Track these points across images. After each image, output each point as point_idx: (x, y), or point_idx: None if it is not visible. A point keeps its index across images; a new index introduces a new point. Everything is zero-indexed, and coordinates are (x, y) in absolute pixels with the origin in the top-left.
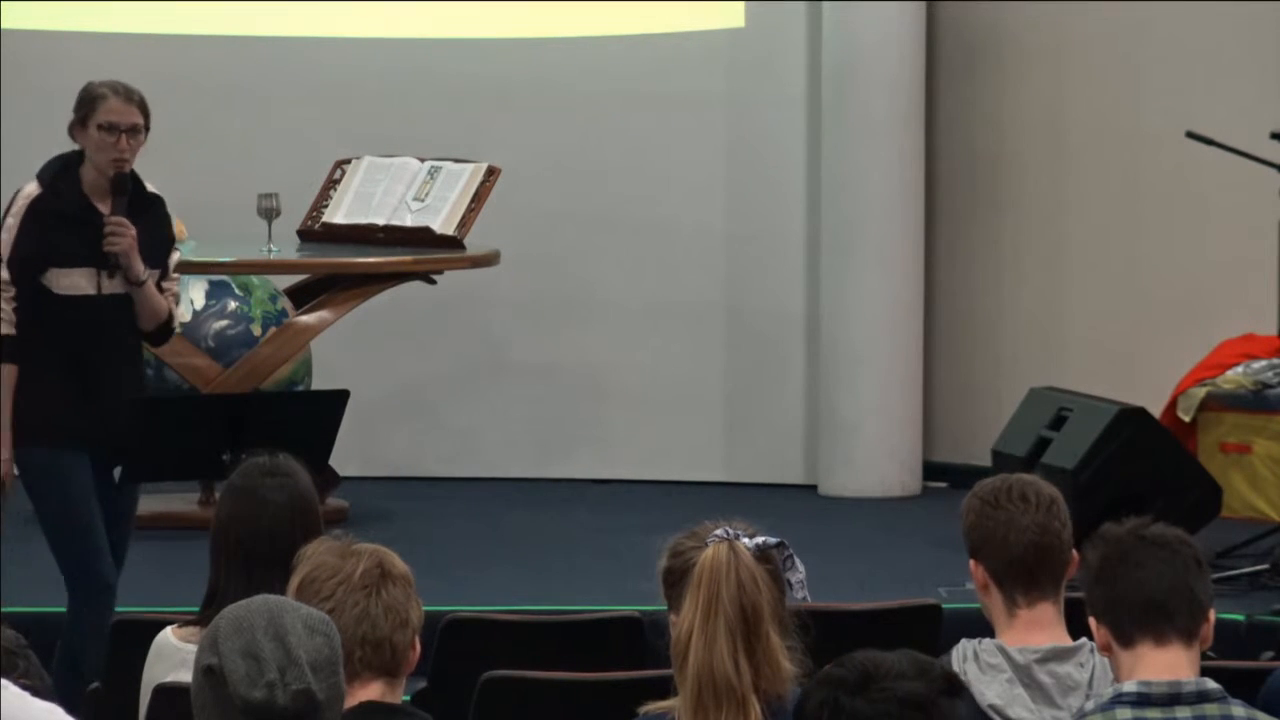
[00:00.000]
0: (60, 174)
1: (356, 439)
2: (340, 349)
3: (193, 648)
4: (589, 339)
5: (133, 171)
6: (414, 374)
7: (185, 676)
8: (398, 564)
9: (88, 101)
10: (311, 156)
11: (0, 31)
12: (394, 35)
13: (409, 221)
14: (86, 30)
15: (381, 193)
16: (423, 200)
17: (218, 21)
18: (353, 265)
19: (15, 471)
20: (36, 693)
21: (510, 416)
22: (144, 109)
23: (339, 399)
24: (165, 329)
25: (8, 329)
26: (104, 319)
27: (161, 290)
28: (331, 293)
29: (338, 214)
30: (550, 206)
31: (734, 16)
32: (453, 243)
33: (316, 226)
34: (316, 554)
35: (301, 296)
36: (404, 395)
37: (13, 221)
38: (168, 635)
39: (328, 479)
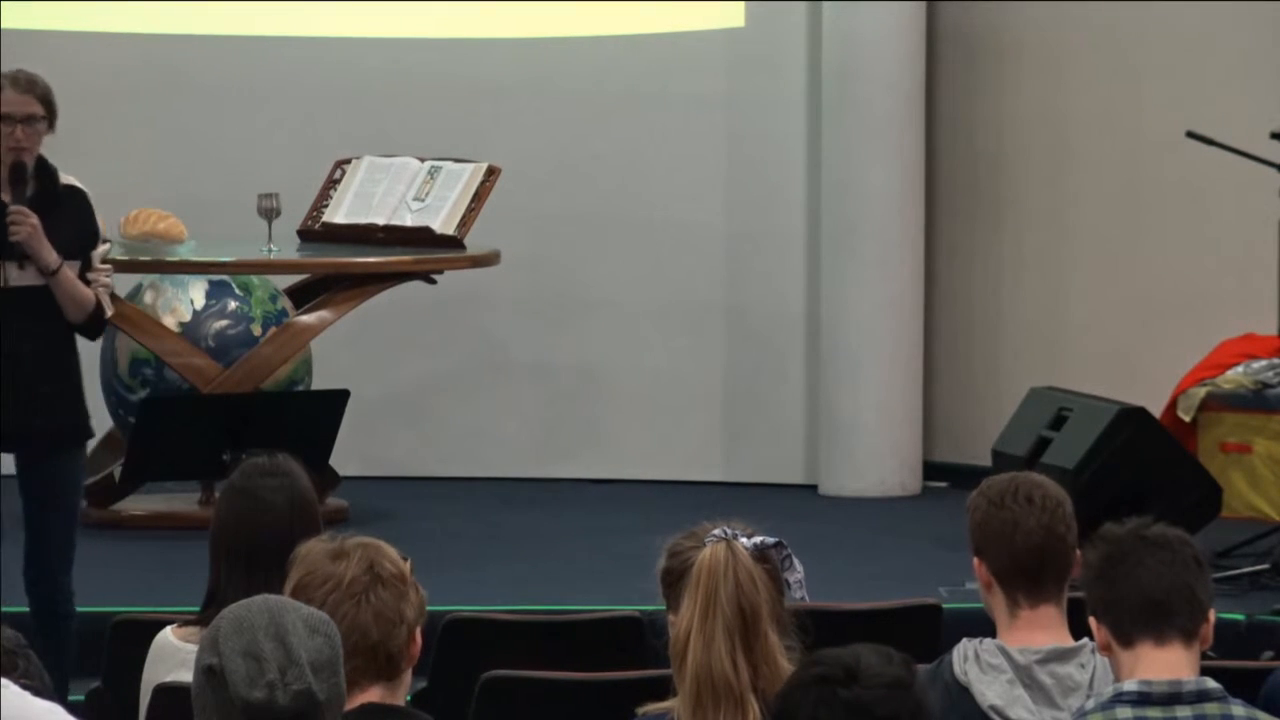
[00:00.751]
0: None
1: (356, 439)
2: (340, 349)
3: (193, 648)
4: (589, 339)
5: (47, 163)
6: (414, 374)
7: (185, 676)
8: (388, 562)
9: None
10: (311, 156)
11: (0, 31)
12: (394, 35)
13: (409, 221)
14: (86, 30)
15: (382, 193)
16: (423, 200)
17: (218, 21)
18: (353, 265)
19: None
20: (36, 693)
21: (510, 416)
22: (45, 99)
23: (339, 399)
24: (95, 321)
25: None
26: (13, 311)
27: (88, 283)
28: (331, 293)
29: (338, 214)
30: (550, 206)
31: (734, 16)
32: (453, 243)
33: (316, 226)
34: (309, 556)
35: (301, 296)
36: (404, 395)
37: None
38: (168, 635)
39: (328, 479)
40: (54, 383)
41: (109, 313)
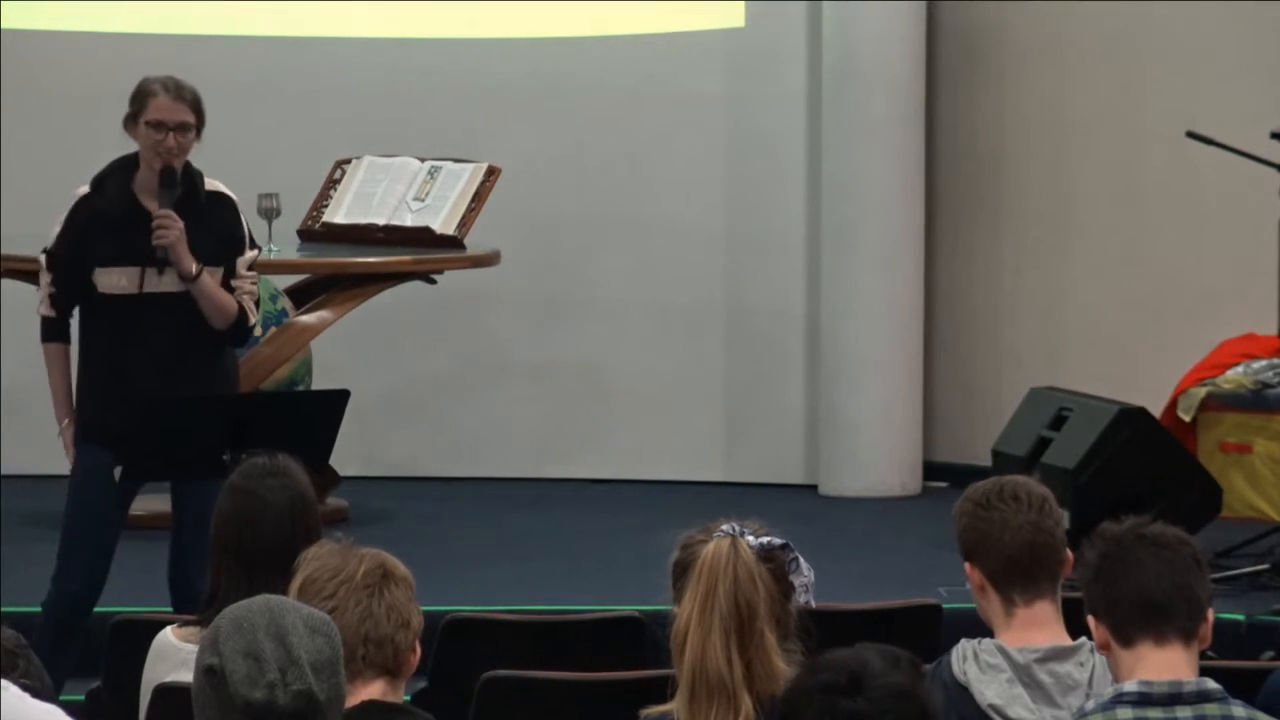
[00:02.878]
0: (112, 174)
1: (356, 439)
2: (340, 349)
3: (192, 648)
4: (589, 339)
5: (194, 169)
6: (414, 374)
7: (185, 676)
8: (399, 567)
9: (138, 98)
10: (311, 156)
11: (0, 31)
12: (394, 35)
13: (409, 221)
14: (86, 30)
15: (382, 193)
16: (423, 200)
17: (218, 21)
18: (353, 265)
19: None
20: (36, 693)
21: (510, 416)
22: (196, 107)
23: (339, 399)
24: (239, 327)
25: (47, 310)
26: (146, 318)
27: (232, 290)
28: (331, 293)
29: (338, 214)
30: (550, 206)
31: (734, 16)
32: (453, 243)
33: (316, 226)
34: (318, 556)
35: (301, 296)
36: (404, 395)
37: (62, 218)
38: (168, 635)
39: (328, 479)
40: (192, 387)
41: (253, 319)
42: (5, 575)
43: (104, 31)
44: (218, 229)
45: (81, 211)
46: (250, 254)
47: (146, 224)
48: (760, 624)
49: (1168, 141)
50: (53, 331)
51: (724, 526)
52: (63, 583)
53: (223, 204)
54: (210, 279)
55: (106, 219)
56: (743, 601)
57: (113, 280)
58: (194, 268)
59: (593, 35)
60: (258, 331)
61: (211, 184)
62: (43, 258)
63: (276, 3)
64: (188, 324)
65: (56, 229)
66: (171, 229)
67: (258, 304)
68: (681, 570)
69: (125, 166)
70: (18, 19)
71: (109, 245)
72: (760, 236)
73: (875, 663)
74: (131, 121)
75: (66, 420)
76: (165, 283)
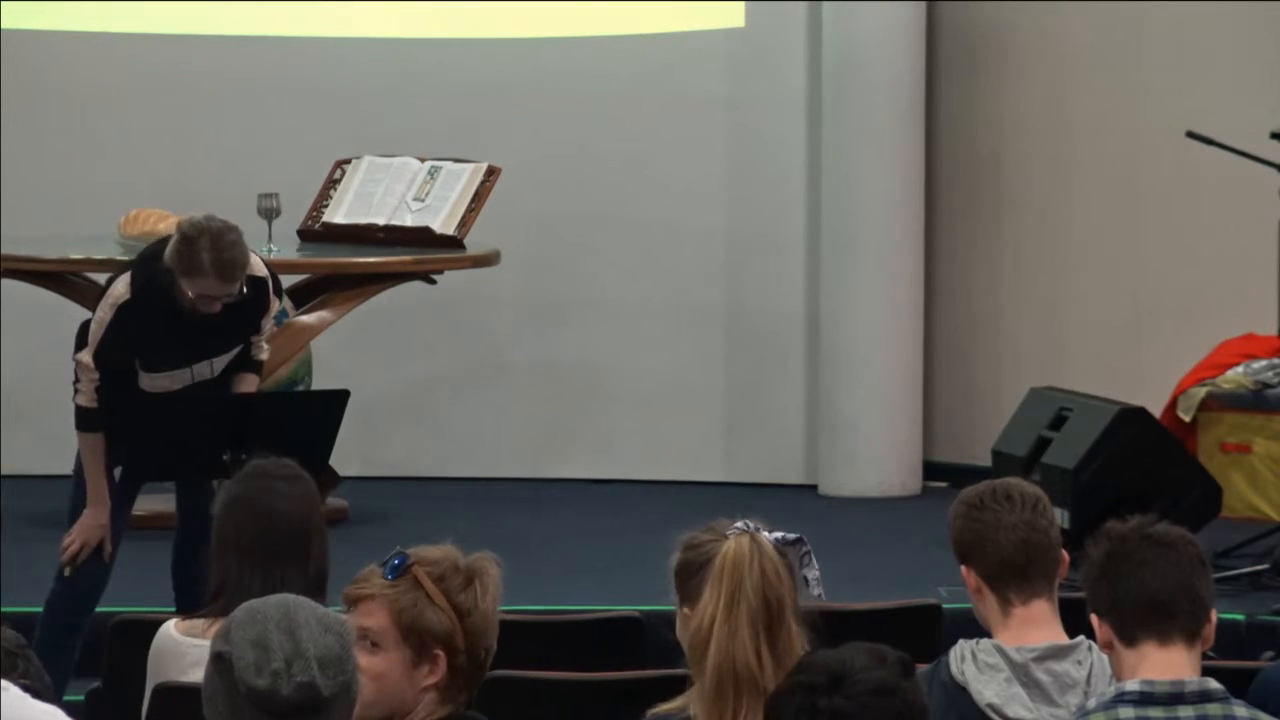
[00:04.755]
0: (149, 287)
1: (356, 439)
2: (340, 349)
3: (194, 642)
4: (589, 339)
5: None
6: (414, 374)
7: (188, 671)
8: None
9: (189, 265)
10: (311, 156)
11: (0, 31)
12: (394, 35)
13: (409, 221)
14: (86, 30)
15: (382, 193)
16: (423, 200)
17: (218, 21)
18: (353, 265)
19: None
20: (36, 694)
21: (510, 416)
22: (241, 281)
23: (339, 399)
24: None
25: (87, 401)
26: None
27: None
28: (331, 293)
29: (338, 214)
30: (550, 206)
31: (734, 16)
32: (453, 243)
33: (316, 226)
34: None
35: (301, 296)
36: (404, 395)
37: (103, 316)
38: (170, 630)
39: (328, 479)
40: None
41: (264, 356)
42: (5, 575)
43: (104, 31)
44: (253, 312)
45: (125, 319)
46: (268, 325)
47: (192, 328)
48: (787, 617)
49: (1168, 141)
50: (94, 423)
51: (736, 524)
52: (67, 580)
53: (257, 287)
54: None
55: (149, 329)
56: (771, 597)
57: (159, 384)
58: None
59: (593, 35)
60: None
61: (251, 269)
62: (88, 358)
63: (277, 3)
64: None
65: (98, 328)
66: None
67: (266, 343)
68: (691, 571)
69: (160, 279)
70: (18, 19)
71: (153, 354)
72: (760, 236)
73: (858, 661)
74: (177, 276)
75: (105, 518)
76: (209, 371)
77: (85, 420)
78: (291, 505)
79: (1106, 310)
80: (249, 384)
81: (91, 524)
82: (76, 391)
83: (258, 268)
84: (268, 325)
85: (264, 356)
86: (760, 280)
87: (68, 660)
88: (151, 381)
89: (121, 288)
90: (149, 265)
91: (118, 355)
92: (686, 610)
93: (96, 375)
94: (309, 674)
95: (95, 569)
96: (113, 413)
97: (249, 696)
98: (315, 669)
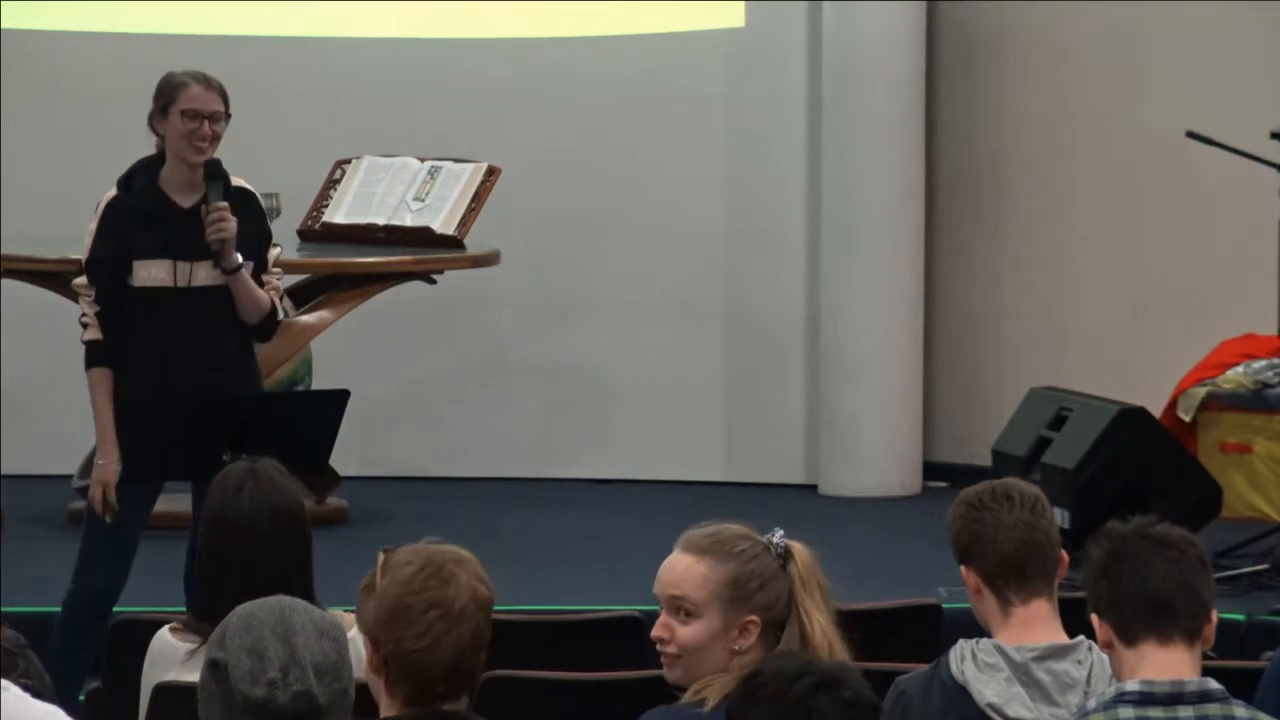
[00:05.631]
0: (137, 173)
1: (356, 439)
2: (340, 349)
3: (189, 646)
4: (589, 339)
5: (221, 165)
6: (414, 374)
7: (182, 676)
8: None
9: (167, 91)
10: (311, 156)
11: (0, 31)
12: (394, 35)
13: (409, 221)
14: (86, 30)
15: (382, 192)
16: (423, 200)
17: (218, 21)
18: (353, 265)
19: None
20: (36, 693)
21: (510, 416)
22: (224, 96)
23: (339, 399)
24: (269, 322)
25: (93, 334)
26: (187, 313)
27: (261, 284)
28: (331, 293)
29: (338, 214)
30: (550, 206)
31: (734, 16)
32: (453, 243)
33: (317, 226)
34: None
35: (301, 296)
36: (404, 395)
37: (93, 226)
38: (165, 635)
39: (328, 479)
40: (230, 382)
41: (281, 315)
42: (5, 575)
43: (104, 31)
44: (249, 224)
45: (114, 211)
46: (275, 250)
47: (179, 219)
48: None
49: (1168, 141)
50: (101, 355)
51: (775, 538)
52: (84, 581)
53: (248, 199)
54: (246, 274)
55: (139, 214)
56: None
57: (151, 273)
58: (238, 261)
59: (593, 35)
60: None
61: (235, 180)
62: (84, 278)
63: (277, 3)
64: (224, 318)
65: (90, 238)
66: (230, 223)
67: (280, 296)
68: (757, 585)
69: (150, 165)
70: (18, 19)
71: (145, 238)
72: (760, 236)
73: (787, 667)
74: (160, 115)
75: (115, 458)
76: (201, 276)
77: (93, 354)
78: (262, 520)
79: (1106, 310)
80: (260, 299)
81: (105, 466)
82: (84, 327)
83: (245, 183)
84: (270, 260)
85: (278, 302)
86: (760, 280)
87: (83, 663)
88: (144, 272)
89: (109, 192)
90: (137, 163)
91: (112, 255)
92: (754, 618)
93: (93, 293)
94: (305, 683)
95: (113, 570)
96: (117, 333)
97: (245, 705)
98: (311, 677)
